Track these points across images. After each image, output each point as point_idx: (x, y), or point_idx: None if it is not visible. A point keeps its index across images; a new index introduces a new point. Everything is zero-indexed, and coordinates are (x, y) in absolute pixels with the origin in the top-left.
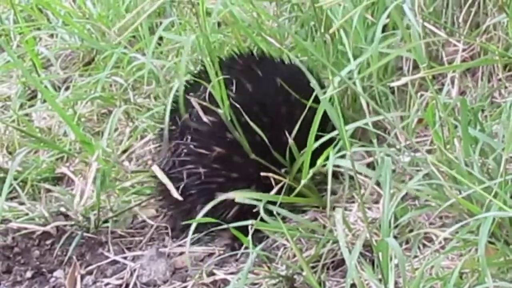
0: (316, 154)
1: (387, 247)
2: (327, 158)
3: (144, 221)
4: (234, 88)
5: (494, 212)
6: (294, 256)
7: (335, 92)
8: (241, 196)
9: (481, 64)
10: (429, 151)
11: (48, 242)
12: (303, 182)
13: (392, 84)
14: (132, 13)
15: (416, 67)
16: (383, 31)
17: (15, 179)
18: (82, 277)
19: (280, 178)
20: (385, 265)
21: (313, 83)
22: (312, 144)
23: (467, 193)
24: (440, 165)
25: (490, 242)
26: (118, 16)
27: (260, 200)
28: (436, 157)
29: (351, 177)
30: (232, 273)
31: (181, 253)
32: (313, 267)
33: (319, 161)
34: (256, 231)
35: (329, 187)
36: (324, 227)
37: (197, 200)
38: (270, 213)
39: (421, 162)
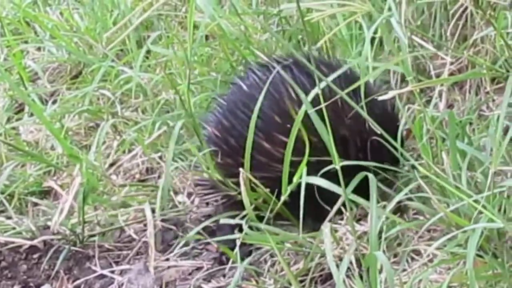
0: None
1: (375, 261)
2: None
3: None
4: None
5: (482, 224)
6: (282, 270)
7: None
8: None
9: (468, 77)
10: (417, 165)
11: (35, 256)
12: (282, 198)
13: (380, 98)
14: (118, 25)
15: (404, 80)
16: (372, 44)
17: (2, 193)
18: None
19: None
20: (374, 279)
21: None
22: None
23: (455, 206)
24: (429, 177)
25: (478, 255)
26: (105, 29)
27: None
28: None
29: None
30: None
31: (169, 267)
32: (301, 281)
33: (295, 178)
34: (245, 244)
35: (301, 203)
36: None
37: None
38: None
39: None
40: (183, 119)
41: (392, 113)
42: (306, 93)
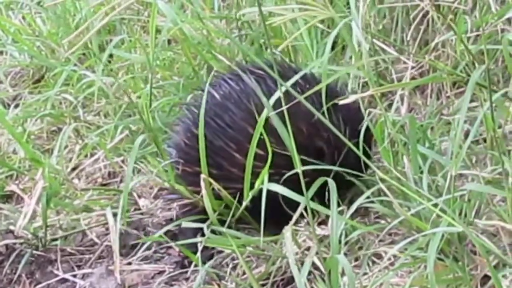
0: None
1: (336, 264)
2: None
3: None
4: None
5: (442, 228)
6: (244, 273)
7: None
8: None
9: (429, 81)
10: (379, 168)
11: None
12: (244, 203)
13: (341, 102)
14: (80, 29)
15: (365, 84)
16: (333, 48)
17: None
18: None
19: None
20: (335, 282)
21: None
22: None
23: (415, 210)
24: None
25: (439, 259)
26: (68, 34)
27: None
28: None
29: None
30: None
31: (131, 271)
32: (263, 285)
33: (257, 183)
34: (207, 248)
35: (262, 210)
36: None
37: None
38: None
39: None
40: (143, 134)
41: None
42: (279, 104)
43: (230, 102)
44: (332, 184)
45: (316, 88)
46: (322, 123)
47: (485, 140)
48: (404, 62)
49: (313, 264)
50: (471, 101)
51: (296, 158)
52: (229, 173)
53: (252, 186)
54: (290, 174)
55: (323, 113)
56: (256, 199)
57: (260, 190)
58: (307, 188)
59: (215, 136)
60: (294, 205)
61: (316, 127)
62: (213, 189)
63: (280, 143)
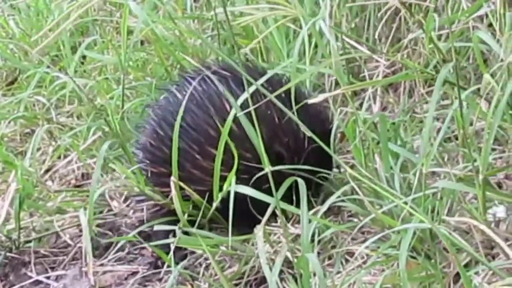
0: None
1: (307, 263)
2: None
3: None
4: None
5: (411, 224)
6: (217, 273)
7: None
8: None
9: (400, 79)
10: (352, 167)
11: None
12: (214, 205)
13: (310, 101)
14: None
15: (338, 83)
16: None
17: None
18: None
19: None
20: (306, 281)
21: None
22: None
23: (387, 207)
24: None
25: (412, 257)
26: (41, 36)
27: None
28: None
29: None
30: None
31: (104, 272)
32: (236, 285)
33: (225, 185)
34: (180, 249)
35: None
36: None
37: None
38: None
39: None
40: (110, 140)
41: (325, 118)
42: (242, 106)
43: (192, 103)
44: (301, 183)
45: (277, 92)
46: (283, 127)
47: (457, 138)
48: (377, 61)
49: (289, 263)
50: (445, 99)
51: (265, 160)
52: (191, 175)
53: (219, 188)
54: (253, 176)
55: (283, 118)
56: (225, 200)
57: (226, 193)
58: (271, 190)
59: (178, 138)
60: (262, 206)
61: (276, 132)
62: (181, 189)
63: (242, 146)
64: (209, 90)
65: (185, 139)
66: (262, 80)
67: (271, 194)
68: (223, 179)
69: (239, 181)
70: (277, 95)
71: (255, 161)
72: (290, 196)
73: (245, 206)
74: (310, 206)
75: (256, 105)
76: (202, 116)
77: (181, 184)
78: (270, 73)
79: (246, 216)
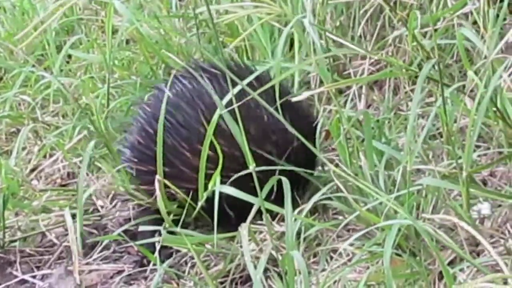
0: None
1: (292, 261)
2: None
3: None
4: None
5: (395, 220)
6: None
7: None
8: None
9: (384, 76)
10: (337, 165)
11: None
12: (199, 203)
13: (294, 99)
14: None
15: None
16: (292, 46)
17: None
18: None
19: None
20: (291, 279)
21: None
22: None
23: (371, 205)
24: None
25: (396, 254)
26: (25, 35)
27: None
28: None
29: None
30: None
31: (90, 271)
32: (222, 282)
33: (210, 184)
34: (166, 247)
35: (215, 210)
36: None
37: None
38: None
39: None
40: (95, 139)
41: (309, 116)
42: (232, 104)
43: (182, 101)
44: (285, 181)
45: (263, 88)
46: (271, 126)
47: (441, 135)
48: (362, 58)
49: (274, 261)
50: (429, 96)
51: (250, 158)
52: (181, 173)
53: (205, 187)
54: (240, 175)
55: (272, 116)
56: (210, 199)
57: (213, 191)
58: (260, 189)
59: (167, 135)
60: (248, 204)
61: (266, 131)
62: (166, 187)
63: (230, 145)
64: (198, 88)
65: (175, 137)
66: (250, 78)
67: (253, 193)
68: (212, 177)
69: (228, 179)
70: (268, 94)
71: (244, 160)
72: (279, 194)
73: (231, 204)
74: (296, 204)
75: (241, 103)
76: (192, 114)
77: (168, 182)
78: (258, 72)
79: (234, 214)
